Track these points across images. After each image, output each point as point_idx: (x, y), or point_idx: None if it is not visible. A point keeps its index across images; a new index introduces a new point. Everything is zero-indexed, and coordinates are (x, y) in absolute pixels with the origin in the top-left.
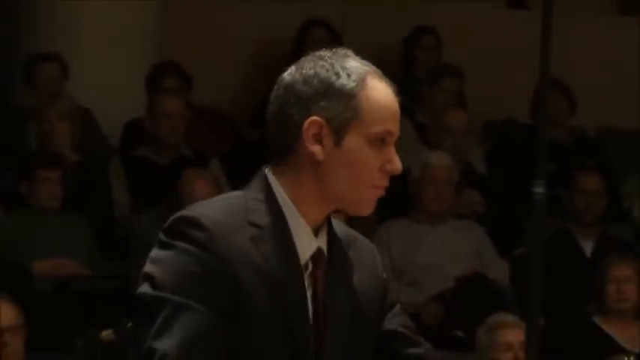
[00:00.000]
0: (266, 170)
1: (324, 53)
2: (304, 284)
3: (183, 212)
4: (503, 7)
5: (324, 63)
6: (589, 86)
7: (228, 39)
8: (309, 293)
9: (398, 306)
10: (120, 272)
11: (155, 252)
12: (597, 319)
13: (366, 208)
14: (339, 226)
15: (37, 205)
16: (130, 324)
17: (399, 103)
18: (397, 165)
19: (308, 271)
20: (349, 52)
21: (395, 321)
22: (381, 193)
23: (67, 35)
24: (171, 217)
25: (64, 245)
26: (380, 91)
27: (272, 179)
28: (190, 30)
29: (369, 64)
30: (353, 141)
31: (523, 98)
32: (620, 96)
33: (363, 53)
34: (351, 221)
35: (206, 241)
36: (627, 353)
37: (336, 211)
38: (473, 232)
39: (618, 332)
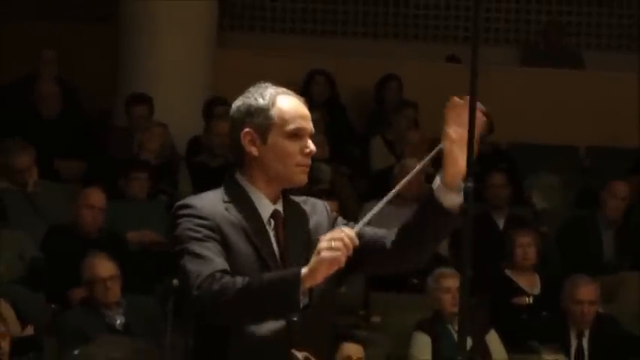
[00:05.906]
0: (234, 174)
1: (251, 88)
2: (267, 231)
3: (178, 203)
4: (443, 61)
5: (248, 94)
6: (502, 114)
7: (257, 82)
8: (274, 240)
9: (351, 223)
10: None
11: (173, 229)
12: (508, 272)
13: (299, 181)
14: (298, 197)
15: (131, 195)
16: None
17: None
18: (311, 147)
19: (272, 225)
20: (268, 84)
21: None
22: (305, 170)
23: (152, 75)
24: (173, 208)
25: (148, 221)
26: (287, 102)
27: (237, 176)
28: (233, 76)
29: (284, 88)
30: (274, 139)
31: None
32: (523, 120)
33: (349, 93)
34: (341, 202)
35: (194, 211)
36: (528, 295)
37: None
38: None
39: (523, 281)
